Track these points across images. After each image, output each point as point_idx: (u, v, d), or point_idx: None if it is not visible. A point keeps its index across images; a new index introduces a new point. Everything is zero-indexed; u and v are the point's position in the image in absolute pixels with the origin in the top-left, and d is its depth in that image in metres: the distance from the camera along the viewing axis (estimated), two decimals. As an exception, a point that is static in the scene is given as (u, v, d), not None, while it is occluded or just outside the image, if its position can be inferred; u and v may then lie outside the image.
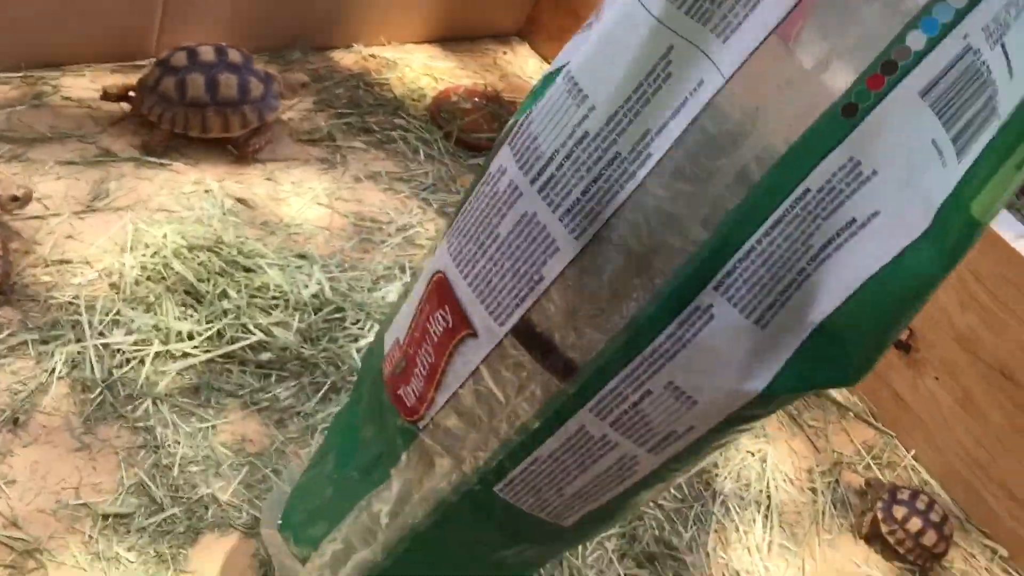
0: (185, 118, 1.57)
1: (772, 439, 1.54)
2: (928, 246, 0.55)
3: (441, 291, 0.69)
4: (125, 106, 1.62)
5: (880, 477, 1.52)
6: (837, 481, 1.51)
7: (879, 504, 1.44)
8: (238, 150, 1.64)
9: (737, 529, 1.40)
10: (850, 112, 0.53)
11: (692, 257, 0.59)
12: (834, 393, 1.66)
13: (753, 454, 1.50)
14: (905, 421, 1.60)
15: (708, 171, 0.58)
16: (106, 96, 1.60)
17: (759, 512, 1.42)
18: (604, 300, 0.62)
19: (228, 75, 1.59)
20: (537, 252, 0.62)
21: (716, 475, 1.45)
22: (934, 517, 1.42)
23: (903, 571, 1.43)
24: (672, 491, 1.38)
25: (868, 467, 1.54)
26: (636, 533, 1.31)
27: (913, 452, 1.59)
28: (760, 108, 0.57)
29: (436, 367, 0.70)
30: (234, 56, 1.62)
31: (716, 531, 1.38)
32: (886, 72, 0.53)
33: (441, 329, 0.69)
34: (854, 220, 0.54)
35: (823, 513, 1.46)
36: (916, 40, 0.52)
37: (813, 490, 1.49)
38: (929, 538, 1.40)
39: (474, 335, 0.67)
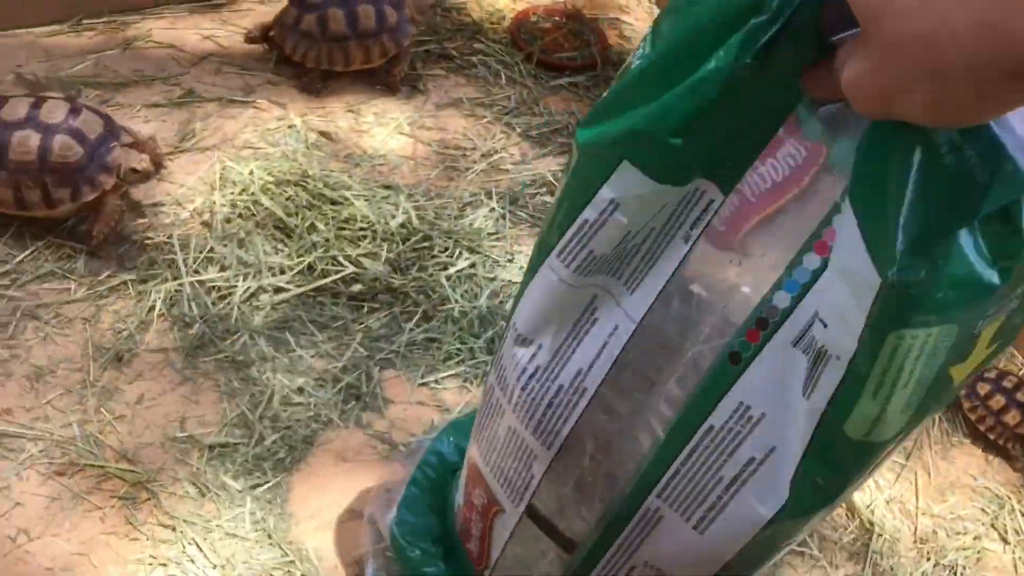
0: (329, 53, 1.58)
1: (879, 352, 1.48)
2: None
3: (476, 475, 0.84)
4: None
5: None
6: (949, 393, 1.45)
7: None
8: (389, 80, 1.67)
9: (844, 444, 1.35)
10: (735, 360, 0.62)
11: (639, 466, 0.70)
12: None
13: (859, 368, 1.45)
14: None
15: (650, 381, 0.69)
16: (250, 39, 1.63)
17: (867, 427, 1.38)
18: (581, 497, 0.76)
19: (365, 6, 1.58)
20: (524, 456, 0.75)
21: (820, 390, 1.40)
22: (1020, 397, 1.36)
23: (1021, 483, 1.37)
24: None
25: (981, 377, 1.47)
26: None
27: (1031, 360, 1.51)
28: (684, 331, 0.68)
29: (484, 532, 0.86)
30: None
31: (822, 447, 1.34)
32: (760, 327, 0.61)
33: (482, 504, 0.85)
34: (753, 459, 0.63)
35: (935, 426, 1.40)
36: (781, 299, 0.60)
37: (924, 403, 1.43)
38: (1012, 417, 1.35)
39: (503, 511, 0.81)
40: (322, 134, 1.55)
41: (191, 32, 1.66)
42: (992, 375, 1.39)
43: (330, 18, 1.56)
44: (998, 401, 1.37)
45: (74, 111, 1.28)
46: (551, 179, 1.59)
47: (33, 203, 1.25)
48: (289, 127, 1.55)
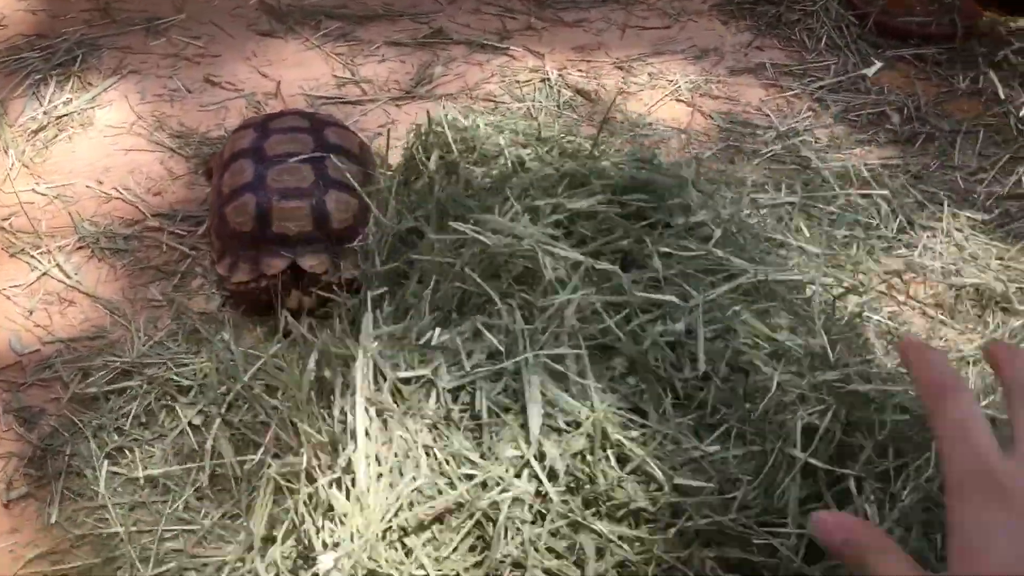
0: None
1: None
2: None
3: None
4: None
5: None
6: None
7: None
8: None
9: None
10: None
11: None
12: None
13: None
14: None
15: None
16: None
17: None
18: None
19: None
20: None
21: None
22: None
23: None
24: None
25: None
26: None
27: None
28: None
29: None
30: None
31: None
32: None
33: None
34: None
35: None
36: None
37: None
38: None
39: None
40: (579, 92, 1.28)
41: (455, -36, 1.45)
42: None
43: None
44: None
45: (306, 194, 0.95)
46: (865, 175, 1.20)
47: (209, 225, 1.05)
48: (542, 80, 1.29)
